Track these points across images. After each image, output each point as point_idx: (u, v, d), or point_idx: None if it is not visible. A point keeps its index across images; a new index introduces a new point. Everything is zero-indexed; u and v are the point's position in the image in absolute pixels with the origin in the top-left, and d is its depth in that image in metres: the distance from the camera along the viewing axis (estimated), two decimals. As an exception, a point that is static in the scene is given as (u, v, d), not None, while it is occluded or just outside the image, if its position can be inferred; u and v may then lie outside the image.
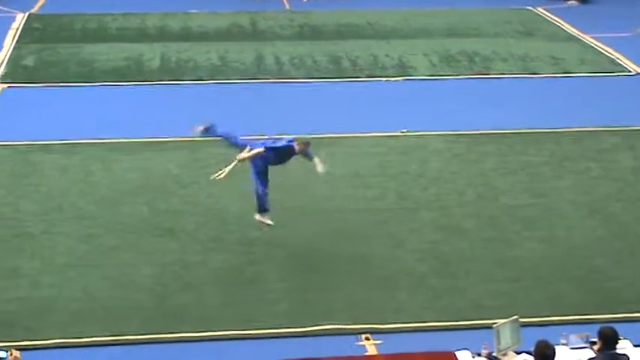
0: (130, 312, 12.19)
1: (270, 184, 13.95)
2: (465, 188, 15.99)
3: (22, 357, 7.45)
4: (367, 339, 11.63)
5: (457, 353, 10.18)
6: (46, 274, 13.06)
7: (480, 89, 21.63)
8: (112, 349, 11.41)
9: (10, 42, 24.63)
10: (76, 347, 11.44)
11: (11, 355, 7.35)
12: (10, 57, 23.32)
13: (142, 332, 11.72)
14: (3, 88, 21.14)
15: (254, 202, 13.75)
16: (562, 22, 27.55)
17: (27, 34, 25.58)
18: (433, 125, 18.86)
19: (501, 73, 22.73)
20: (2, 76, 21.96)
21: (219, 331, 11.78)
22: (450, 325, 11.96)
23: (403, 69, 22.89)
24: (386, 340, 11.57)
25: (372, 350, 11.38)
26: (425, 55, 23.94)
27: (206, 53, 23.76)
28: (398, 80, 22.11)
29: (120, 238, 14.15)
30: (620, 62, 23.57)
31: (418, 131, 18.56)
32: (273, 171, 14.06)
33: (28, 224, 14.50)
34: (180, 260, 13.49)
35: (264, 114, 19.53)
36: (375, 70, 22.81)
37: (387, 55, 23.80)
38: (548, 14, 28.55)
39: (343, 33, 25.95)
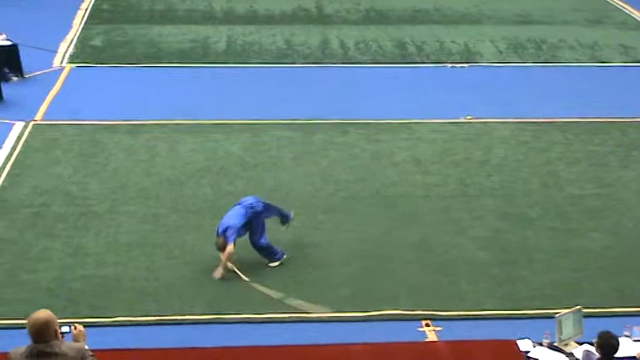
0: (194, 292, 12.31)
1: (340, 169, 13.90)
2: (530, 177, 15.88)
3: (90, 335, 7.55)
4: (427, 325, 11.62)
5: (518, 342, 10.14)
6: (110, 252, 13.25)
7: (546, 77, 21.39)
8: (175, 328, 11.53)
9: (78, 22, 24.90)
10: (139, 325, 11.59)
11: (75, 329, 7.45)
12: (78, 37, 23.60)
13: (205, 312, 11.84)
14: (71, 68, 21.41)
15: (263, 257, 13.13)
16: (632, 10, 27.13)
17: (95, 15, 25.84)
18: (498, 112, 18.74)
19: (569, 62, 22.47)
20: (70, 56, 22.24)
21: (280, 313, 11.85)
22: (511, 314, 11.89)
23: (469, 55, 22.73)
24: (446, 327, 11.54)
25: (432, 337, 11.36)
26: (492, 41, 23.75)
27: (272, 37, 23.82)
28: (464, 66, 21.98)
29: (183, 218, 14.28)
30: (691, 52, 23.20)
31: (483, 118, 18.45)
32: (344, 156, 13.98)
33: (93, 203, 14.70)
34: (243, 241, 13.55)
35: (328, 98, 19.55)
36: (440, 55, 22.69)
37: (453, 41, 23.66)
38: (618, 2, 28.12)
39: (410, 18, 25.82)
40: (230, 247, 12.42)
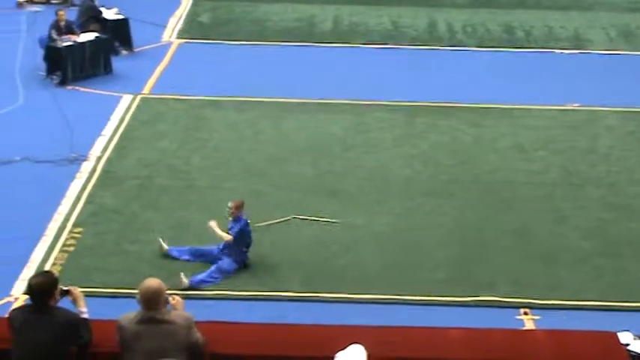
0: (291, 270, 12.42)
1: (441, 152, 13.90)
2: (637, 167, 15.58)
3: (187, 307, 7.70)
4: (526, 313, 11.52)
5: (618, 334, 9.94)
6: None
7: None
8: (270, 304, 11.65)
9: (188, -1, 25.23)
10: (235, 300, 11.77)
11: (173, 299, 7.61)
12: (187, 13, 23.86)
13: (301, 290, 11.93)
14: (179, 44, 21.69)
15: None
16: None
17: (204, -8, 26.12)
18: (606, 101, 18.36)
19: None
20: (179, 31, 22.53)
21: (377, 294, 11.88)
22: (612, 306, 11.74)
23: (579, 42, 22.33)
24: (544, 316, 11.44)
25: (529, 325, 11.28)
26: (603, 28, 23.27)
27: (378, 17, 23.72)
28: (573, 53, 21.59)
29: (284, 196, 14.39)
30: None
31: (589, 106, 18.12)
32: (446, 140, 13.94)
33: (196, 177, 14.92)
34: (343, 222, 13.62)
35: (432, 81, 19.45)
36: (548, 41, 22.34)
37: (562, 27, 23.26)
38: None
39: (519, 2, 25.40)
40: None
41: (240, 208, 12.56)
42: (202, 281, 12.08)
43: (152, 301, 7.29)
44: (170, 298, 7.60)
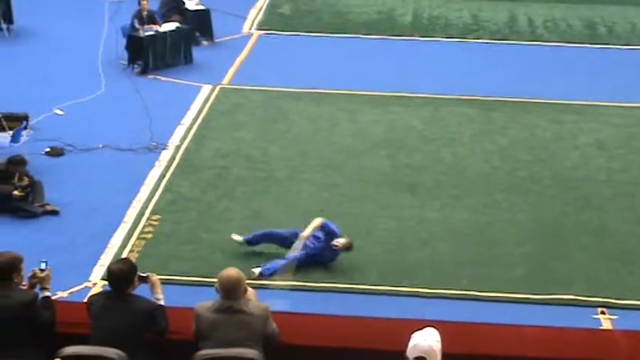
0: (367, 264, 12.39)
1: (520, 148, 13.79)
2: None
3: (261, 298, 7.77)
4: (603, 313, 11.37)
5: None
6: (288, 218, 13.41)
7: None
8: (346, 297, 11.66)
9: (269, -10, 25.32)
10: (312, 291, 11.78)
11: (246, 291, 7.64)
12: (267, 5, 23.96)
13: (377, 283, 11.92)
14: (259, 35, 21.80)
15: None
16: None
17: (285, -17, 26.22)
18: (691, 99, 18.03)
19: None
20: (259, 23, 22.64)
21: (452, 289, 11.82)
22: (692, 308, 11.51)
23: (663, 38, 21.96)
24: (622, 316, 11.27)
25: (607, 325, 11.12)
26: (688, 24, 22.85)
27: (458, 11, 23.57)
28: (656, 49, 21.23)
29: (361, 189, 14.37)
30: None
31: (674, 104, 17.80)
32: (525, 136, 13.83)
33: (274, 168, 14.97)
34: (418, 216, 13.58)
35: (512, 76, 19.26)
36: (631, 37, 21.97)
37: (646, 23, 22.89)
38: None
39: (601, -2, 25.07)
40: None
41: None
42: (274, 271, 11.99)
43: (231, 290, 7.36)
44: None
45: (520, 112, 17.32)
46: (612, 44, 21.57)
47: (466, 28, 22.52)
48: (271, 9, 23.71)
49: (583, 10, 23.87)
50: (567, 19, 23.14)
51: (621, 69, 19.92)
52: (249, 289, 7.72)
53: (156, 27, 19.34)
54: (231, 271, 7.47)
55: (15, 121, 15.26)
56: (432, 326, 6.93)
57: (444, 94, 18.03)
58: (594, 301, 11.60)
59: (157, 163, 15.06)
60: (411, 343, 6.78)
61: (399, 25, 22.68)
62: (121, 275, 7.63)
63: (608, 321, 11.23)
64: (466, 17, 23.17)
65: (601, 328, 10.97)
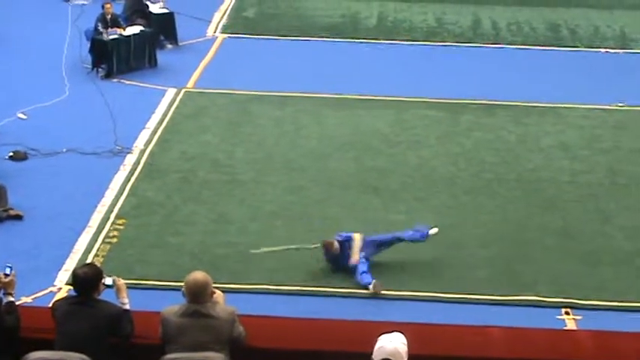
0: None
1: (485, 150, 13.91)
2: (683, 167, 15.42)
3: (228, 299, 7.75)
4: (567, 313, 11.45)
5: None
6: (253, 221, 13.46)
7: None
8: (313, 299, 11.67)
9: (233, -7, 25.30)
10: (278, 294, 11.76)
11: (214, 293, 7.62)
12: (232, 8, 23.94)
13: (342, 285, 11.94)
14: (224, 39, 21.77)
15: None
16: None
17: (249, -13, 26.20)
18: (652, 101, 18.20)
19: None
20: (224, 26, 22.62)
21: (416, 291, 11.86)
22: (656, 307, 11.61)
23: (624, 41, 22.12)
24: (586, 317, 11.35)
25: (571, 325, 11.20)
26: (649, 27, 23.07)
27: (423, 14, 23.64)
28: (618, 52, 21.41)
29: (326, 191, 14.40)
30: None
31: (635, 106, 17.94)
32: (490, 138, 13.90)
33: (239, 171, 14.96)
34: (384, 218, 13.61)
35: (476, 79, 19.34)
36: (594, 40, 22.16)
37: (608, 26, 23.05)
38: None
39: (564, 1, 25.18)
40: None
41: (331, 247, 12.26)
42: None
43: (198, 294, 7.34)
44: (212, 292, 7.64)
45: (485, 114, 17.42)
46: (575, 47, 21.71)
47: (430, 31, 22.61)
48: (236, 12, 23.69)
49: (546, 12, 24.04)
50: (531, 21, 23.29)
51: (584, 71, 20.08)
52: (218, 292, 7.72)
53: (120, 30, 19.25)
54: (198, 275, 7.46)
55: (-23, 126, 15.17)
56: (399, 330, 6.97)
57: (408, 97, 18.09)
58: (559, 302, 11.68)
59: (121, 167, 14.99)
60: (377, 346, 6.82)
61: (363, 28, 22.72)
62: (87, 280, 7.59)
63: (573, 321, 11.31)
64: (430, 20, 23.26)
65: (565, 328, 11.05)
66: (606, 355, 8.16)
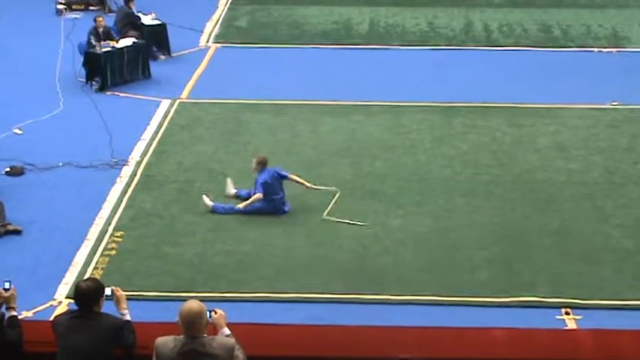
0: (332, 271, 12.42)
1: (481, 152, 13.85)
2: (679, 165, 15.45)
3: (227, 309, 7.65)
4: (567, 313, 11.45)
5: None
6: (250, 229, 13.46)
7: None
8: (311, 306, 11.64)
9: (224, 3, 25.29)
10: (277, 302, 11.75)
11: (215, 313, 7.45)
12: (224, 18, 23.98)
13: (344, 292, 11.92)
14: (216, 48, 21.79)
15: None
16: None
17: (241, -4, 26.22)
18: (646, 99, 18.24)
19: None
20: (216, 36, 22.66)
21: (417, 295, 11.85)
22: (655, 305, 11.62)
23: (616, 40, 22.18)
24: (586, 316, 11.36)
25: (571, 325, 11.20)
26: (640, 25, 23.13)
27: (415, 19, 23.70)
28: (611, 51, 21.46)
29: (324, 198, 14.35)
30: None
31: (630, 104, 17.99)
32: (485, 140, 13.99)
33: (236, 181, 14.91)
34: (382, 223, 13.62)
35: (470, 81, 19.39)
36: (586, 40, 22.21)
37: (600, 25, 23.14)
38: None
39: (555, 1, 25.27)
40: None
41: (262, 164, 13.85)
42: (224, 209, 13.76)
43: (192, 323, 7.02)
44: (212, 312, 7.46)
45: (479, 116, 17.44)
46: (567, 47, 21.77)
47: (423, 35, 22.66)
48: (228, 22, 23.73)
49: (538, 14, 24.12)
50: (522, 23, 23.36)
51: (577, 71, 20.13)
52: (220, 312, 7.44)
53: (112, 43, 19.27)
54: (193, 304, 7.15)
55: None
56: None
57: (403, 102, 18.12)
58: (558, 302, 11.68)
59: (118, 179, 14.99)
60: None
61: (355, 34, 22.76)
62: (89, 293, 7.58)
63: (573, 321, 11.31)
64: (422, 25, 23.31)
65: (565, 328, 11.06)
66: (607, 355, 8.17)
